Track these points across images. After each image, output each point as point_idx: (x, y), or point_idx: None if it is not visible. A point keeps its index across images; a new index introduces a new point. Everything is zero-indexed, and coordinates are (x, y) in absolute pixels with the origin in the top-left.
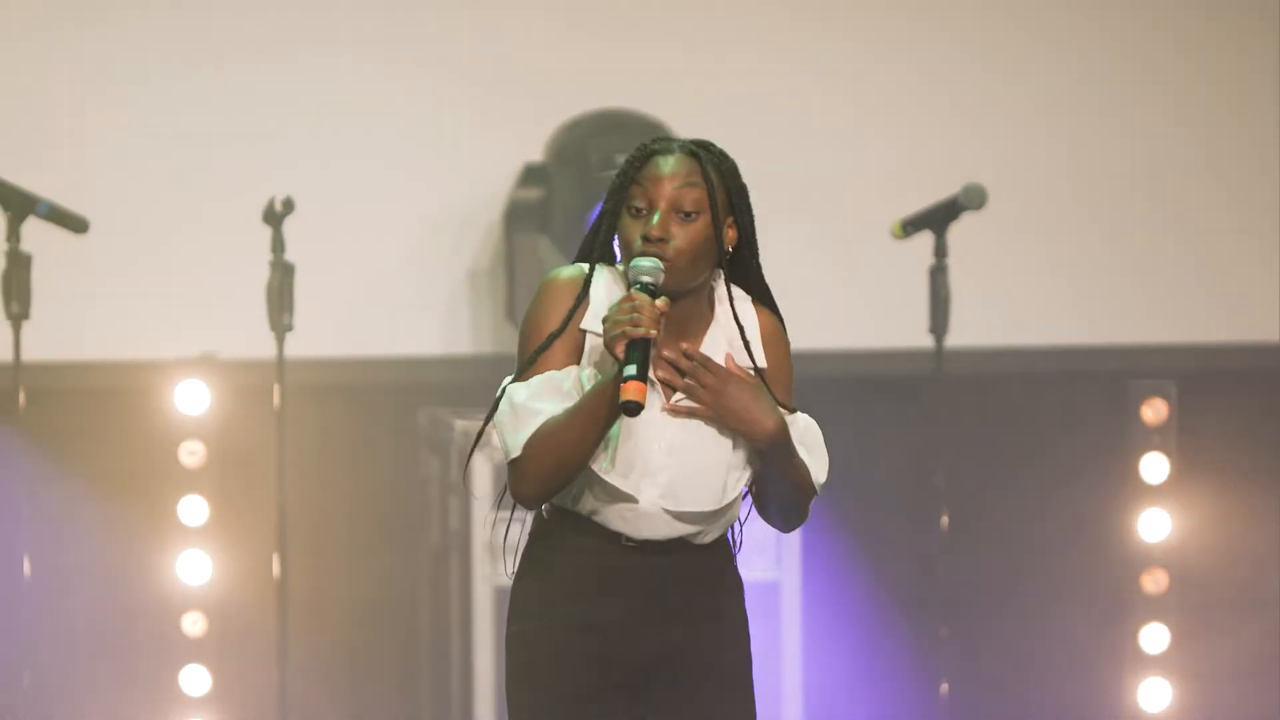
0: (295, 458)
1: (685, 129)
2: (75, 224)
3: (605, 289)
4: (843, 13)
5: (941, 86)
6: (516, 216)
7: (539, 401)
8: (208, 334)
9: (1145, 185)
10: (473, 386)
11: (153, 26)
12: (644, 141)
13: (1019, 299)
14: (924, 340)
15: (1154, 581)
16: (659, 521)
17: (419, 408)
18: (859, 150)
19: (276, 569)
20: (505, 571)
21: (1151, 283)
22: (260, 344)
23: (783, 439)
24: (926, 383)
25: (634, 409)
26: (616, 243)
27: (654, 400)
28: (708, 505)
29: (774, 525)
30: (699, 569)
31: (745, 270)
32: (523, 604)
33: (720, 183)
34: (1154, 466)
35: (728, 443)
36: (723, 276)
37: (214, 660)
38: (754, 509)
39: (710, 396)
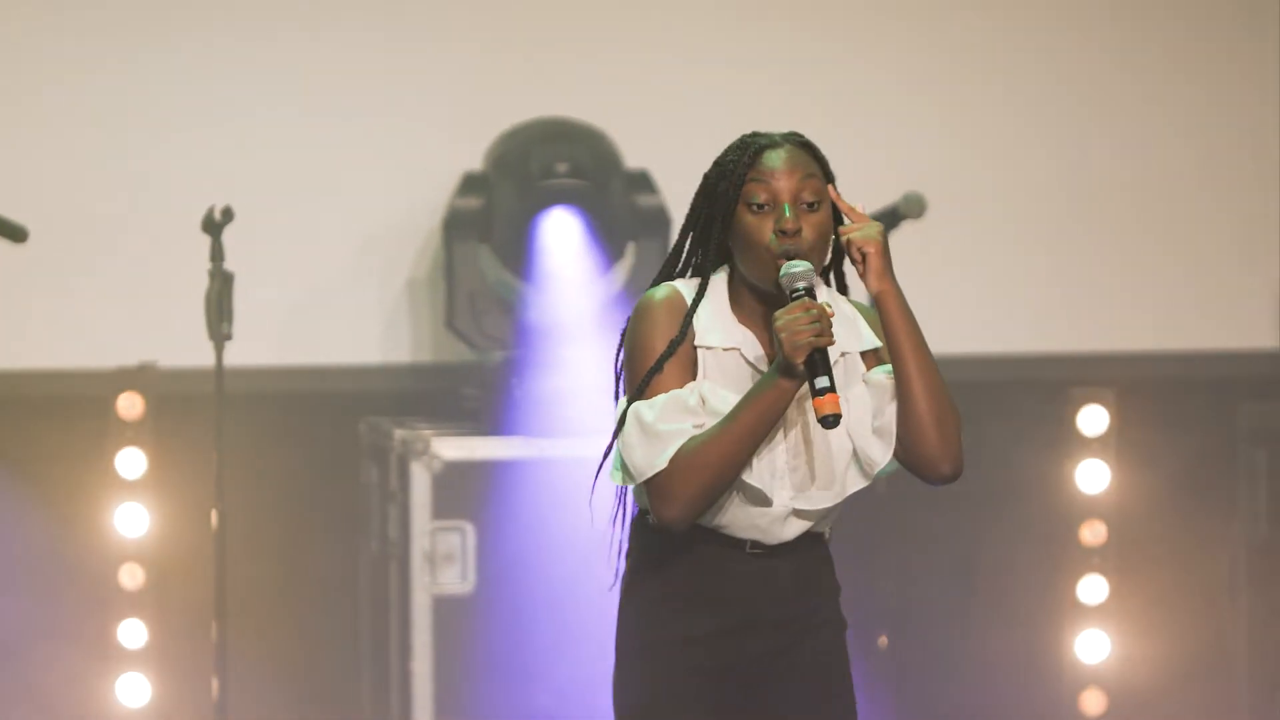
0: (234, 467)
1: (625, 137)
2: (15, 233)
3: (708, 301)
4: (780, 15)
5: (881, 93)
6: (456, 225)
7: (671, 421)
8: (147, 343)
9: (1085, 196)
10: (412, 395)
11: (92, 35)
12: (743, 139)
13: (959, 307)
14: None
15: (1092, 588)
16: (790, 523)
17: (358, 417)
18: None
19: (215, 577)
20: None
21: (1094, 290)
22: (199, 353)
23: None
24: None
25: (834, 422)
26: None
27: None
28: (835, 499)
29: (935, 452)
30: (812, 572)
31: (839, 261)
32: (638, 613)
33: (828, 173)
34: (1093, 474)
35: (844, 434)
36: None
37: (153, 670)
38: (907, 460)
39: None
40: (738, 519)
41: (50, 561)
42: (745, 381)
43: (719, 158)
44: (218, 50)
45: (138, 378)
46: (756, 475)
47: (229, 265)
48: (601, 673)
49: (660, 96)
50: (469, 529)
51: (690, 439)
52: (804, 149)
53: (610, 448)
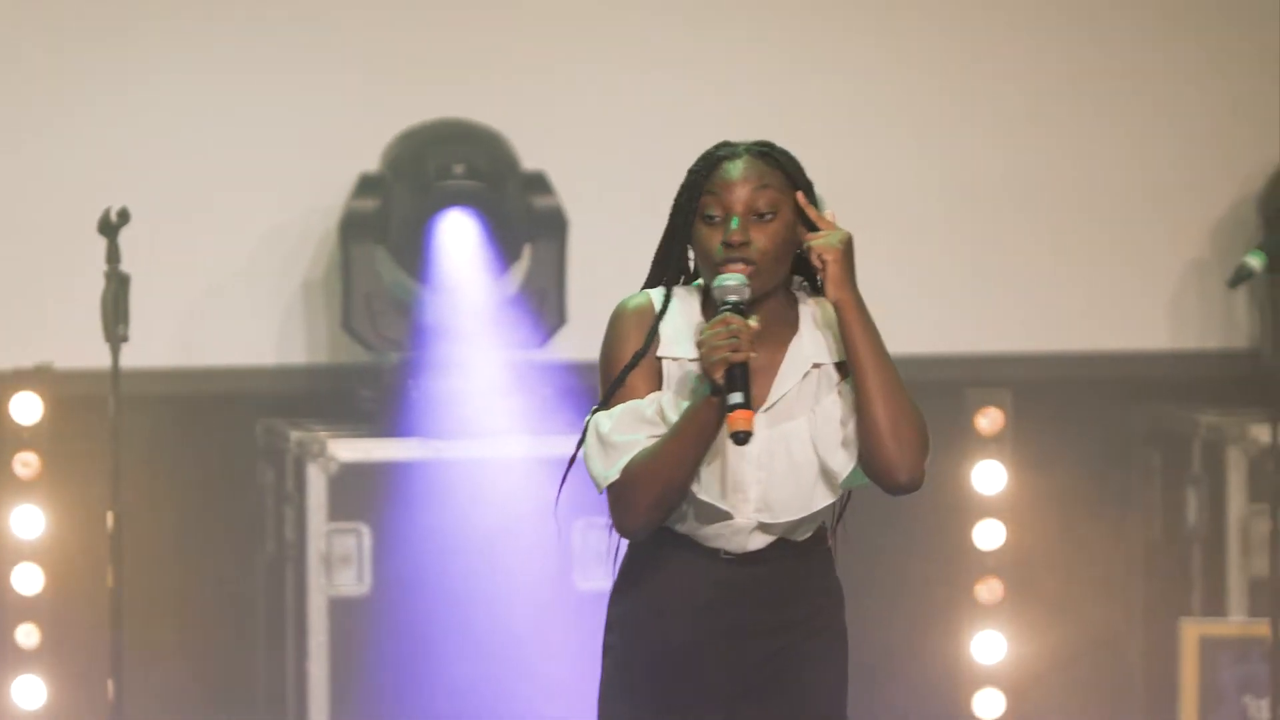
0: (130, 468)
1: (521, 139)
2: None
3: (678, 312)
4: (676, 12)
5: (774, 91)
6: (352, 227)
7: (625, 432)
8: (42, 345)
9: (979, 199)
10: (308, 397)
11: None
12: (708, 150)
13: None
14: None
15: (989, 591)
16: (755, 536)
17: (255, 418)
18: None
19: (111, 579)
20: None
21: (990, 291)
22: (95, 354)
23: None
24: None
25: (744, 439)
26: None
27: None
28: (800, 512)
29: (891, 461)
30: (799, 577)
31: (808, 266)
32: (620, 619)
33: (793, 180)
34: (990, 475)
35: (810, 446)
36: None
37: (49, 672)
38: (868, 474)
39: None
40: (704, 530)
41: None
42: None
43: (690, 167)
44: (114, 51)
45: (33, 379)
46: (718, 489)
47: (125, 267)
48: (496, 675)
49: (557, 97)
50: (365, 531)
51: (642, 450)
52: (764, 158)
53: (574, 456)
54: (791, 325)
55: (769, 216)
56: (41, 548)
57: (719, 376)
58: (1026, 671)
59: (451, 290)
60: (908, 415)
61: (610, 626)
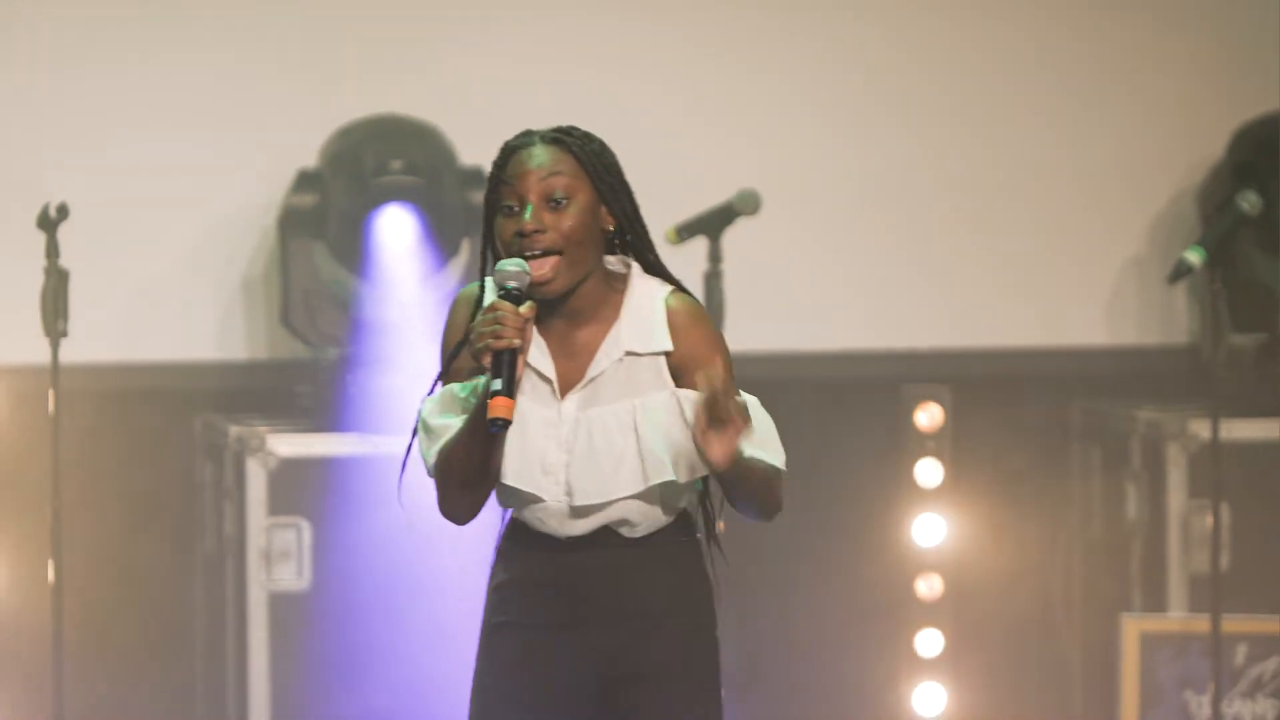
0: (69, 464)
1: (459, 134)
2: None
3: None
4: (611, 6)
5: (712, 86)
6: (291, 222)
7: (441, 417)
8: None
9: (919, 193)
10: (247, 392)
11: None
12: (506, 140)
13: (795, 303)
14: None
15: (929, 587)
16: (574, 520)
17: (194, 413)
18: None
19: (51, 575)
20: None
21: (928, 287)
22: (34, 350)
23: (736, 463)
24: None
25: (501, 425)
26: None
27: (545, 398)
28: (600, 497)
29: (751, 519)
30: (646, 566)
31: (641, 253)
32: (486, 602)
33: (588, 164)
34: (928, 472)
35: (630, 431)
36: (633, 266)
37: None
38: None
39: (734, 433)
40: (525, 513)
41: None
42: (527, 382)
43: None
44: (53, 43)
45: None
46: (522, 471)
47: (64, 262)
48: (437, 670)
49: (494, 92)
50: (305, 526)
51: (448, 438)
52: (558, 144)
53: (410, 443)
54: (614, 309)
55: (563, 202)
56: None
57: (485, 362)
58: (967, 666)
59: (390, 286)
60: (773, 501)
61: (485, 609)
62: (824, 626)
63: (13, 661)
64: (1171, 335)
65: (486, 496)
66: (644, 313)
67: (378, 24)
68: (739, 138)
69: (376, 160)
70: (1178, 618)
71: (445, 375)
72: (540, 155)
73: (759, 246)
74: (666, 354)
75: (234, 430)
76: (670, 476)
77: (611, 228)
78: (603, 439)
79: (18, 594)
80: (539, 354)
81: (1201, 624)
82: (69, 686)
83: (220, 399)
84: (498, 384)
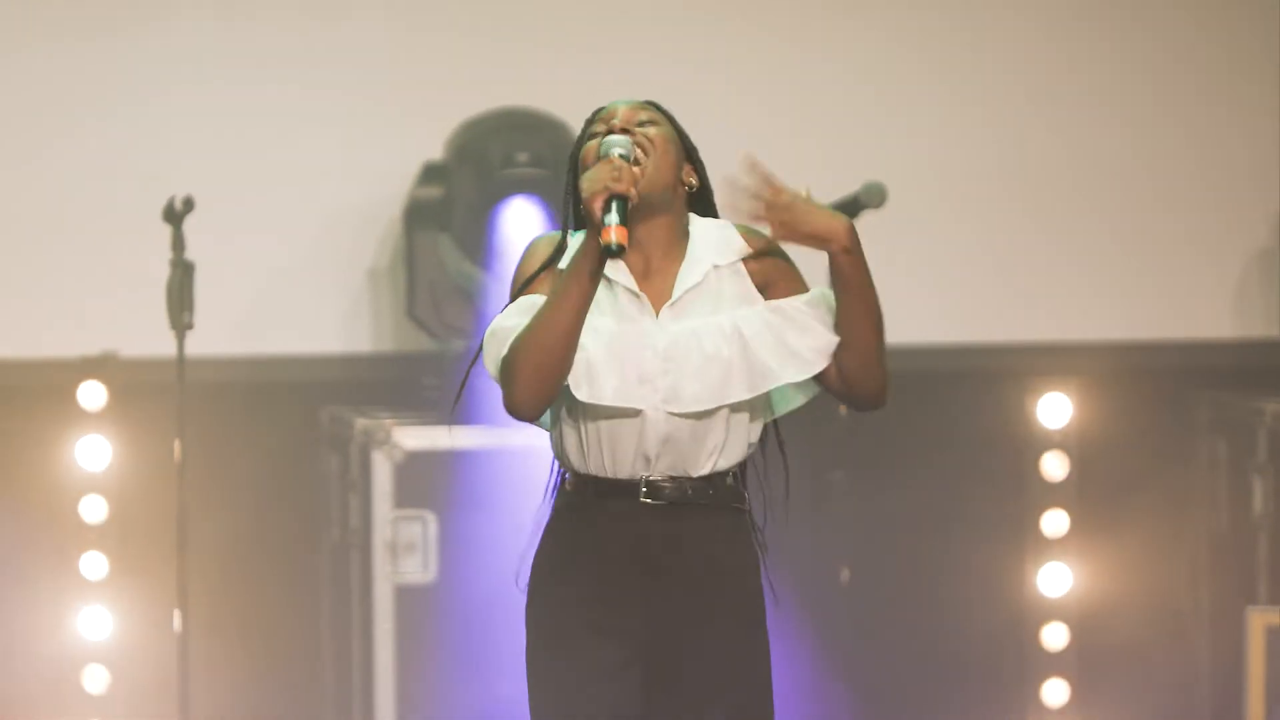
0: (195, 456)
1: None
2: None
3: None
4: (742, 15)
5: (837, 86)
6: (416, 214)
7: (515, 317)
8: (108, 333)
9: (1044, 187)
10: (373, 385)
11: (52, 25)
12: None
13: (921, 297)
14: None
15: (1052, 583)
16: (661, 441)
17: (319, 406)
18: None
19: (176, 567)
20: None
21: (1057, 281)
22: (161, 342)
23: (858, 242)
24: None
25: (617, 250)
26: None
27: (633, 314)
28: (711, 402)
29: (857, 396)
30: (709, 534)
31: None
32: (538, 574)
33: (675, 122)
34: (1054, 465)
35: (735, 340)
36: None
37: (114, 660)
38: (840, 391)
39: (777, 214)
40: (615, 443)
41: (11, 550)
42: (610, 304)
43: None
44: (179, 40)
45: (99, 367)
46: (621, 388)
47: (190, 255)
48: None
49: (621, 87)
50: (430, 518)
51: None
52: (648, 103)
53: (470, 363)
54: (685, 238)
55: (649, 125)
56: (108, 534)
57: (598, 206)
58: (1092, 662)
59: None
60: (882, 365)
61: (530, 582)
62: (949, 630)
63: (141, 653)
64: None
65: (556, 389)
66: (714, 234)
67: (507, 16)
68: (871, 131)
69: (502, 153)
70: None
71: (513, 300)
72: (630, 105)
73: (883, 240)
74: (749, 272)
75: (360, 423)
76: (777, 383)
77: (694, 182)
78: (710, 347)
79: (145, 585)
80: (623, 273)
81: None
82: (194, 679)
83: (346, 391)
84: (613, 217)
